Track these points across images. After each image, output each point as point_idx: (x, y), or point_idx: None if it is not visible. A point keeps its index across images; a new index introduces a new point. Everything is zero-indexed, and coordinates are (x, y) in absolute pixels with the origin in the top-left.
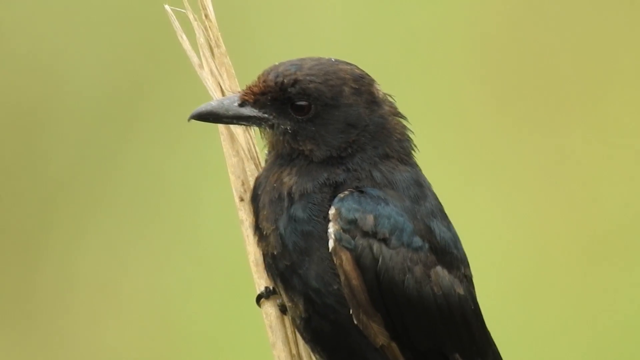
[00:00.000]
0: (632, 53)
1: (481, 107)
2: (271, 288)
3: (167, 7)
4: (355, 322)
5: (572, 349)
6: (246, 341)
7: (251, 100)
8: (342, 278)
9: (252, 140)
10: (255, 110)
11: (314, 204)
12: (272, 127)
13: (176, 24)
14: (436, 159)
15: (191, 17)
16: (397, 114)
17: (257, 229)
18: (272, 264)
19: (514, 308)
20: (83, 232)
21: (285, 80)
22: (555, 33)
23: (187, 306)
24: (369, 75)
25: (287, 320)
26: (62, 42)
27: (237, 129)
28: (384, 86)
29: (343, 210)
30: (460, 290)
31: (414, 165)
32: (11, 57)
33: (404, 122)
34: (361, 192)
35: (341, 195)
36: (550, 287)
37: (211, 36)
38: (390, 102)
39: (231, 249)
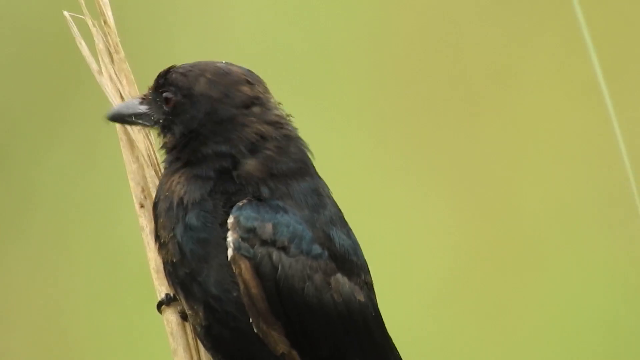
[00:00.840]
0: (542, 54)
1: (395, 110)
2: (172, 295)
3: (65, 13)
4: (255, 330)
5: (486, 354)
6: (148, 348)
7: (147, 98)
8: (242, 287)
9: (151, 147)
10: (145, 106)
11: (207, 212)
12: (154, 122)
13: (75, 30)
14: (351, 163)
15: (90, 23)
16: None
17: (157, 237)
18: (172, 271)
19: (430, 311)
20: None
21: (161, 74)
22: (466, 35)
23: (88, 313)
24: (260, 80)
25: (189, 327)
26: None
27: (138, 135)
28: (295, 89)
29: (242, 218)
30: (360, 297)
31: (313, 175)
32: None
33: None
34: (259, 200)
35: (239, 203)
36: (466, 290)
37: (110, 42)
38: (281, 111)
39: (132, 256)
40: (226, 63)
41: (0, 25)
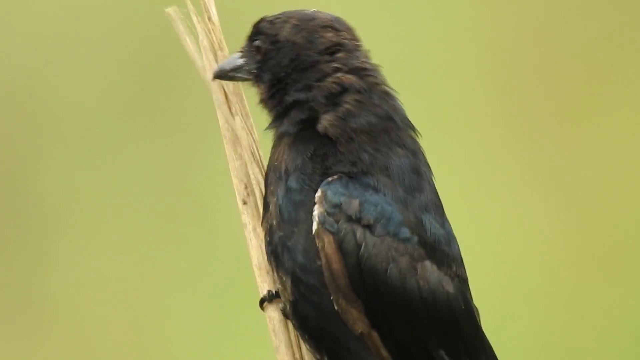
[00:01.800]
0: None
1: (488, 113)
2: (274, 292)
3: (170, 9)
4: (335, 307)
5: (585, 355)
6: (250, 345)
7: (244, 50)
8: (324, 261)
9: (255, 144)
10: (243, 59)
11: (306, 174)
12: (249, 73)
13: (180, 27)
14: (443, 165)
15: (195, 19)
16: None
17: (265, 204)
18: (269, 240)
19: (521, 314)
20: (91, 233)
21: (253, 24)
22: (561, 39)
23: (190, 310)
24: (348, 27)
25: (291, 324)
26: (63, 46)
27: (241, 132)
28: (393, 83)
29: (329, 193)
30: (450, 288)
31: (415, 152)
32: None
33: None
34: (350, 177)
35: (329, 179)
36: (558, 293)
37: (214, 39)
38: (369, 59)
39: (234, 253)
40: (315, 10)
41: (105, 21)
